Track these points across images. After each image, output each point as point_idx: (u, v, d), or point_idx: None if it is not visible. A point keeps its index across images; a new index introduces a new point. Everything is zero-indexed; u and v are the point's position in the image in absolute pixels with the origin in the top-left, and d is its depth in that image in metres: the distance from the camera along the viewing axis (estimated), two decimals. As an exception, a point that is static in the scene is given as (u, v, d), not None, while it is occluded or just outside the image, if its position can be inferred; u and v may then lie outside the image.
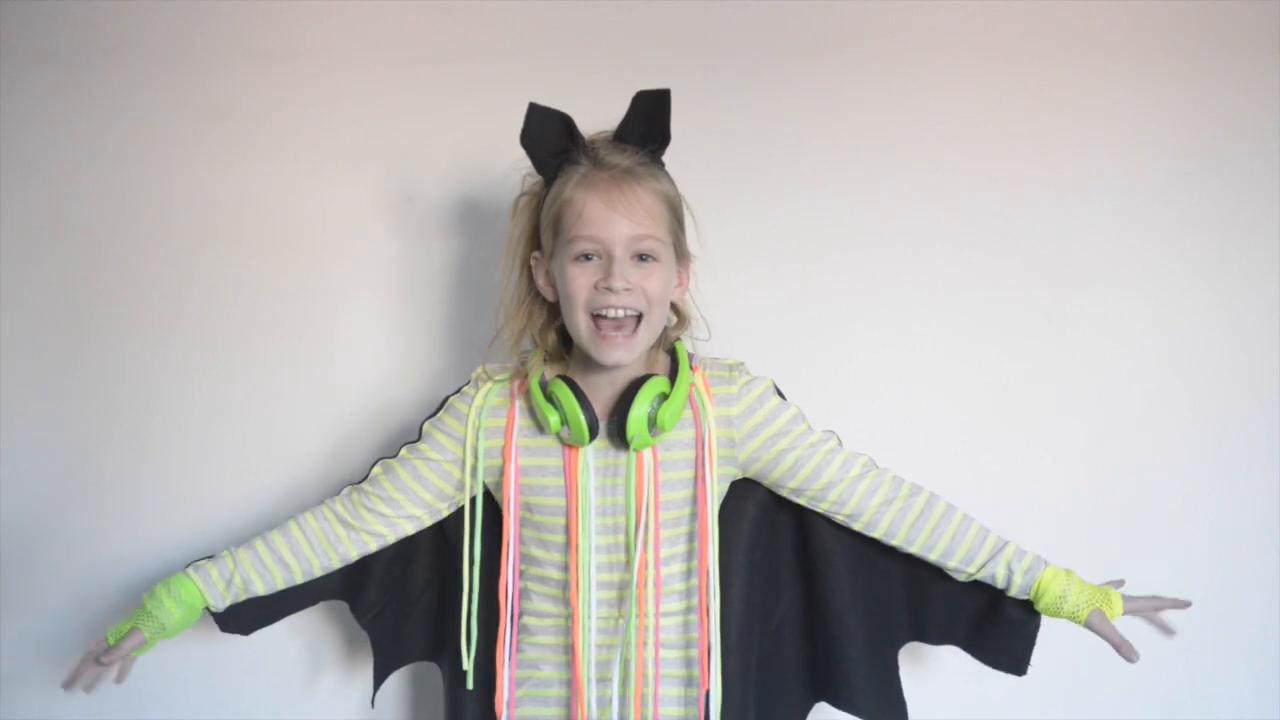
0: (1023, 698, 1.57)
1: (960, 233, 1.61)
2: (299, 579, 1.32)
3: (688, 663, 1.28)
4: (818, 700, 1.40)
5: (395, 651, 1.42)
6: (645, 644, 1.26)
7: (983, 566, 1.29)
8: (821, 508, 1.31)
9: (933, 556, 1.30)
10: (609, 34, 1.60)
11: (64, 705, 1.57)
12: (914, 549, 1.31)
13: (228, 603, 1.28)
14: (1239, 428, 1.62)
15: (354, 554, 1.32)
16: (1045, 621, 1.31)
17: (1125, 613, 1.27)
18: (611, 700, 1.26)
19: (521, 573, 1.30)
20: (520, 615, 1.30)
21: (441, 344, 1.59)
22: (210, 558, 1.30)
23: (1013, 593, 1.29)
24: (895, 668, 1.39)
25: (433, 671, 1.45)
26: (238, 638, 1.35)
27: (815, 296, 1.61)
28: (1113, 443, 1.61)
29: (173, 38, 1.59)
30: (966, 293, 1.61)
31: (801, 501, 1.31)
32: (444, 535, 1.38)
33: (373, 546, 1.32)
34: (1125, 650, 1.26)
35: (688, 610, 1.29)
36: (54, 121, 1.59)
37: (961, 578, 1.31)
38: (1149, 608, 1.28)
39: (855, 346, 1.60)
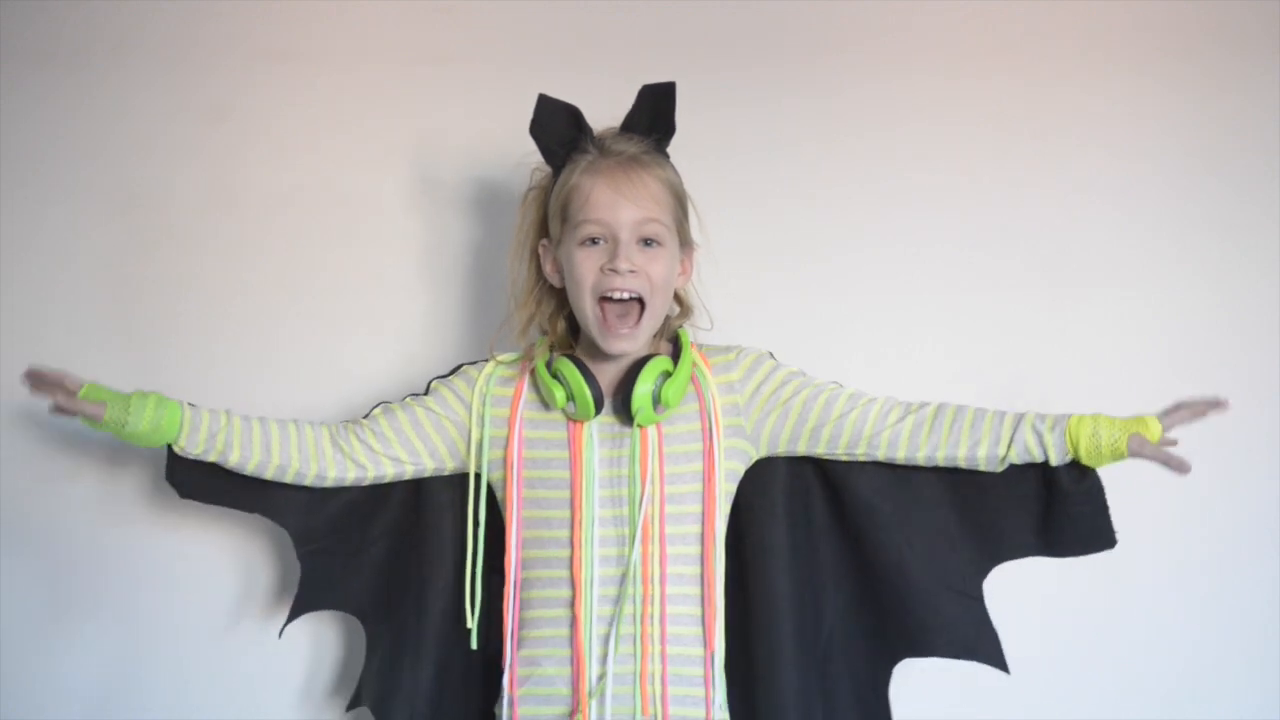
0: (1021, 697, 1.57)
1: (960, 233, 1.61)
2: (270, 473, 1.30)
3: (703, 660, 1.28)
4: (898, 660, 1.36)
5: (322, 593, 1.38)
6: (650, 619, 1.25)
7: (1012, 441, 1.27)
8: (841, 445, 1.30)
9: (962, 451, 1.28)
10: (609, 34, 1.60)
11: (60, 705, 1.57)
12: (942, 451, 1.29)
13: (198, 453, 1.26)
14: (1239, 428, 1.61)
15: (330, 474, 1.31)
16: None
17: (1165, 428, 1.24)
18: (606, 676, 1.25)
19: (524, 562, 1.30)
20: (521, 609, 1.30)
21: (445, 342, 1.59)
22: (209, 410, 1.28)
23: (1053, 457, 1.26)
24: (980, 599, 1.33)
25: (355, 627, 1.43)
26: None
27: (815, 296, 1.61)
28: (1113, 443, 1.61)
29: (173, 38, 1.59)
30: (967, 293, 1.61)
31: (820, 449, 1.31)
32: (417, 513, 1.37)
33: (349, 475, 1.32)
34: (1175, 464, 1.23)
35: (702, 601, 1.28)
36: (54, 121, 1.59)
37: (998, 465, 1.28)
38: (1185, 416, 1.25)
39: (855, 346, 1.60)
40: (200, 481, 1.30)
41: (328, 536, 1.37)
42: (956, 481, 1.32)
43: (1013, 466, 1.28)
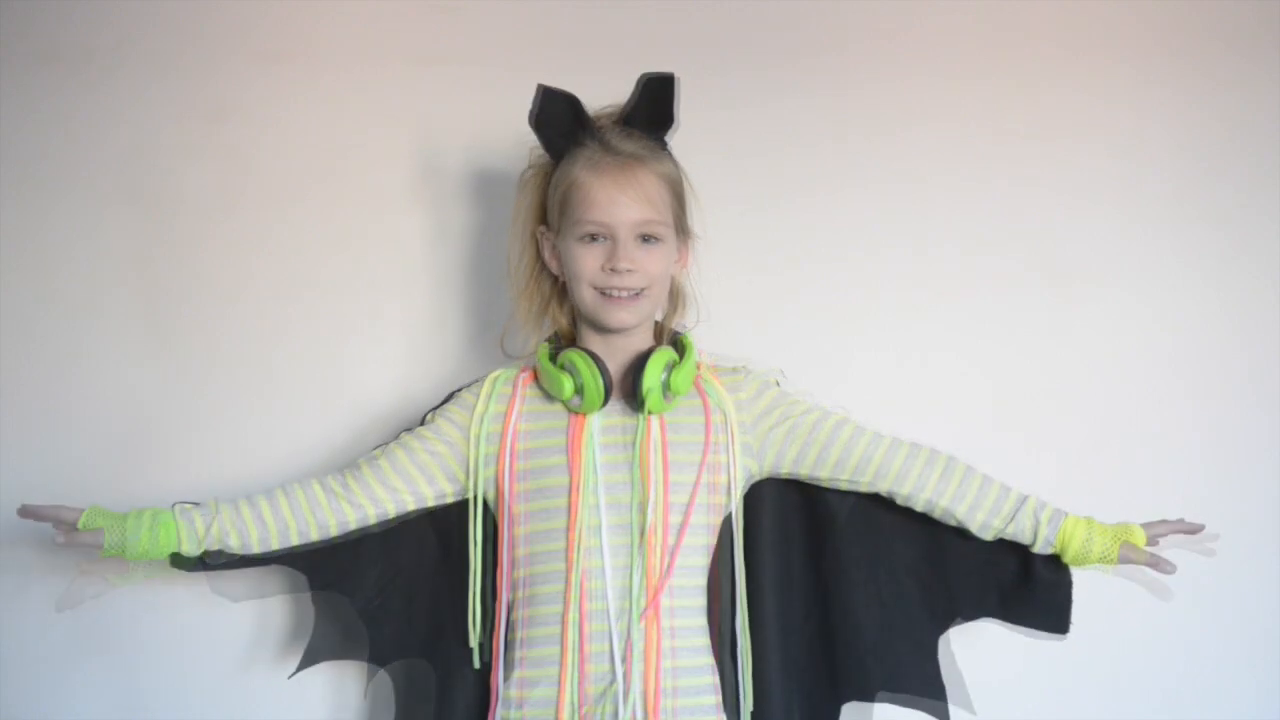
0: (1021, 698, 1.57)
1: (961, 233, 1.61)
2: (275, 541, 1.30)
3: (712, 669, 1.28)
4: (845, 701, 1.37)
5: (391, 645, 1.38)
6: (659, 627, 1.25)
7: (1010, 519, 1.30)
8: (847, 471, 1.31)
9: (962, 509, 1.30)
10: (610, 34, 1.60)
11: (62, 708, 1.57)
12: (944, 500, 1.30)
13: (200, 551, 1.28)
14: (1239, 428, 1.62)
15: (333, 523, 1.31)
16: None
17: (1149, 539, 1.29)
18: (607, 679, 1.24)
19: (526, 562, 1.29)
20: (521, 625, 1.28)
21: (451, 340, 1.59)
22: (196, 505, 1.30)
23: (1038, 546, 1.29)
24: (934, 652, 1.36)
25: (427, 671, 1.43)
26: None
27: (815, 297, 1.61)
28: (1113, 443, 1.61)
29: (173, 38, 1.59)
30: (967, 293, 1.61)
31: (825, 472, 1.31)
32: (446, 546, 1.37)
33: (352, 520, 1.32)
34: (1162, 566, 1.28)
35: (709, 611, 1.28)
36: (54, 121, 1.59)
37: (989, 534, 1.31)
38: (1169, 530, 1.30)
39: (856, 346, 1.60)
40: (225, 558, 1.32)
41: (380, 592, 1.36)
42: (936, 540, 1.34)
43: (997, 542, 1.31)
